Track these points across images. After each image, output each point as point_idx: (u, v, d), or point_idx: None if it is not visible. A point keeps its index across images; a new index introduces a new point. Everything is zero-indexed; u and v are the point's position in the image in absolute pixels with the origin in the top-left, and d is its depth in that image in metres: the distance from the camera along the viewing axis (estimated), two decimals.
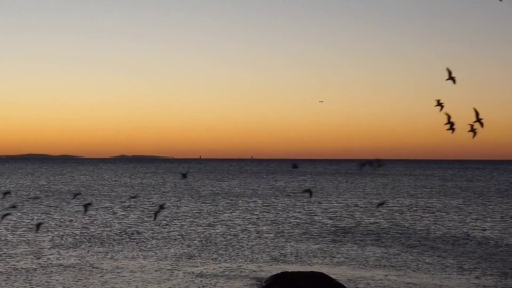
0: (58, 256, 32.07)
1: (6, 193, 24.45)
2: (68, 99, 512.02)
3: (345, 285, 24.72)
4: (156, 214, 22.91)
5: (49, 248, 34.50)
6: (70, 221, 48.20)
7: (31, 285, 25.28)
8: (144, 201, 68.05)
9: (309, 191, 20.92)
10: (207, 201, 69.12)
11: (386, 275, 27.65)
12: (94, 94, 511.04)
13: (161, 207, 21.49)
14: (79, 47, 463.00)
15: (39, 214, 53.01)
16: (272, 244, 36.73)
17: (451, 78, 15.99)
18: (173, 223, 47.28)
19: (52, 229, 42.70)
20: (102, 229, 43.53)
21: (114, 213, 55.05)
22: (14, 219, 48.16)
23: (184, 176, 21.28)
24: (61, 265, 29.59)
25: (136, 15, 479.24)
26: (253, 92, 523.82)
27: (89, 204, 22.16)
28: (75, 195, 32.87)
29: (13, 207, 34.09)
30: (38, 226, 25.97)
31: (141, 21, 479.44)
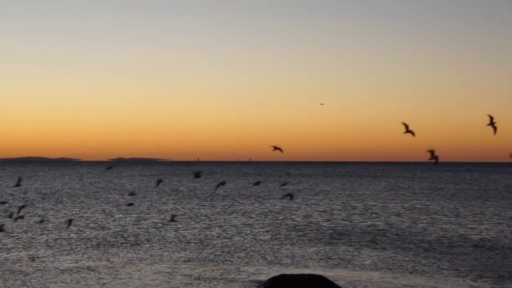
0: (55, 259, 32.06)
1: (159, 181, 25.75)
2: (66, 102, 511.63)
3: (343, 287, 24.78)
4: (217, 186, 24.11)
5: (46, 251, 34.48)
6: (67, 223, 48.16)
7: (27, 287, 25.32)
8: (141, 204, 68.04)
9: None
10: (205, 204, 69.10)
11: (382, 277, 27.72)
12: (92, 97, 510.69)
13: (222, 183, 22.66)
14: (77, 51, 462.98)
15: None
16: (270, 247, 36.77)
17: (408, 131, 16.41)
18: (170, 226, 47.26)
19: (49, 232, 42.66)
20: (98, 232, 43.50)
21: (111, 215, 55.01)
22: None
23: (197, 175, 22.38)
24: (57, 267, 29.60)
25: (135, 18, 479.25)
26: (251, 94, 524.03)
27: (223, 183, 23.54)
28: (130, 194, 32.79)
29: (131, 204, 34.28)
30: (172, 217, 26.93)
31: (139, 24, 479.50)
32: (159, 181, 25.05)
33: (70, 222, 31.98)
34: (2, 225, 31.48)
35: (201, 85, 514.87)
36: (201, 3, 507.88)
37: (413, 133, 16.56)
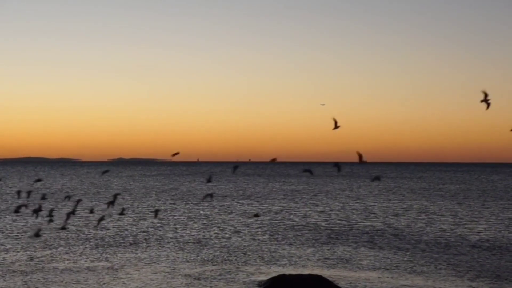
0: (54, 259, 32.19)
1: None
2: (66, 102, 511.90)
3: (342, 287, 24.90)
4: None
5: (45, 251, 34.60)
6: (67, 223, 48.26)
7: (28, 287, 25.39)
8: (141, 204, 68.17)
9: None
10: (204, 204, 69.20)
11: (381, 277, 27.86)
12: (92, 97, 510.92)
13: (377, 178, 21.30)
14: (77, 51, 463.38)
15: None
16: (269, 247, 36.91)
17: (485, 100, 15.78)
18: (170, 226, 47.41)
19: (48, 232, 42.74)
20: (97, 232, 43.60)
21: (110, 215, 55.10)
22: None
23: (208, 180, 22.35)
24: (56, 267, 29.71)
25: (134, 19, 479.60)
26: (251, 94, 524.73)
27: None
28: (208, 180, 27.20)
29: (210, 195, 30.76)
30: (256, 215, 26.33)
31: (139, 25, 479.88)
32: (236, 167, 24.80)
33: (112, 202, 31.00)
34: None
35: (201, 85, 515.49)
36: (201, 4, 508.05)
37: (488, 104, 15.99)
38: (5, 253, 33.68)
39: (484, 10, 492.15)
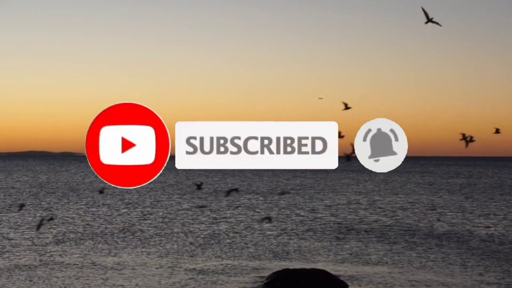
0: (60, 253, 32.18)
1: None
2: (68, 96, 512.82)
3: (347, 282, 24.76)
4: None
5: (51, 245, 34.61)
6: (73, 218, 48.38)
7: (33, 282, 25.33)
8: (145, 199, 68.21)
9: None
10: (209, 198, 69.22)
11: (389, 272, 27.70)
12: (94, 91, 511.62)
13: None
14: (77, 44, 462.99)
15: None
16: (273, 241, 36.83)
17: (464, 139, 14.81)
18: (175, 220, 47.40)
19: (55, 226, 42.77)
20: (104, 226, 43.66)
21: (116, 209, 55.13)
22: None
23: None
24: (62, 262, 29.67)
25: (133, 12, 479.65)
26: (252, 89, 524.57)
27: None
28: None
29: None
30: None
31: (138, 18, 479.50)
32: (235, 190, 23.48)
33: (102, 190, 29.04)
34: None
35: (202, 79, 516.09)
36: None
37: (467, 141, 15.05)
38: (12, 247, 33.66)
39: (483, 8, 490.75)
